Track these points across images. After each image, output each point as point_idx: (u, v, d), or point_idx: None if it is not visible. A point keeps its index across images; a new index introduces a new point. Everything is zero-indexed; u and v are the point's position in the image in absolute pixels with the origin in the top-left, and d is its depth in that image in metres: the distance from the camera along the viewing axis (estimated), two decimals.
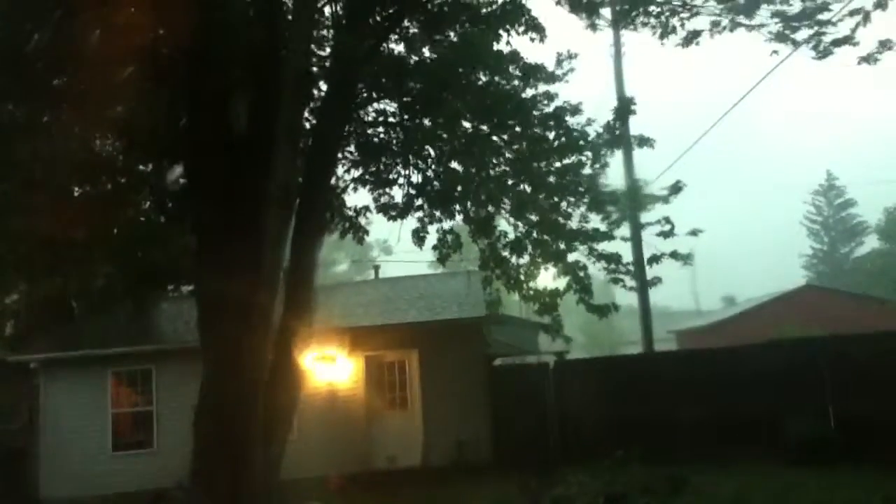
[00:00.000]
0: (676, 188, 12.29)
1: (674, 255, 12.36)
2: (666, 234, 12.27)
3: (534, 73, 11.53)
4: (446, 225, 12.59)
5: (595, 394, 15.38)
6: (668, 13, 12.05)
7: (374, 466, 15.78)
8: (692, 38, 12.10)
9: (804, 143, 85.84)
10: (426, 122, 11.50)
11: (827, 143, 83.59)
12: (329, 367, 16.10)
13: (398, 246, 14.57)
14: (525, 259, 12.77)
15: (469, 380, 16.20)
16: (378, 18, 10.74)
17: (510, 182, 12.16)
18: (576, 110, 11.80)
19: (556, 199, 12.22)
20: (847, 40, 11.05)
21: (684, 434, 14.21)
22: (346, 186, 12.55)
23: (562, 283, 12.75)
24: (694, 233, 12.25)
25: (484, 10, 11.01)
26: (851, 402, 13.46)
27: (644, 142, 12.14)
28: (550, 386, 16.17)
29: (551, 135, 11.82)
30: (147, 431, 16.32)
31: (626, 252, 14.28)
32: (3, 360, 16.50)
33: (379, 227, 13.50)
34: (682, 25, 12.14)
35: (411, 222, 12.44)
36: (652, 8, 12.18)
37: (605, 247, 12.43)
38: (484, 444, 15.63)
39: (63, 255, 10.90)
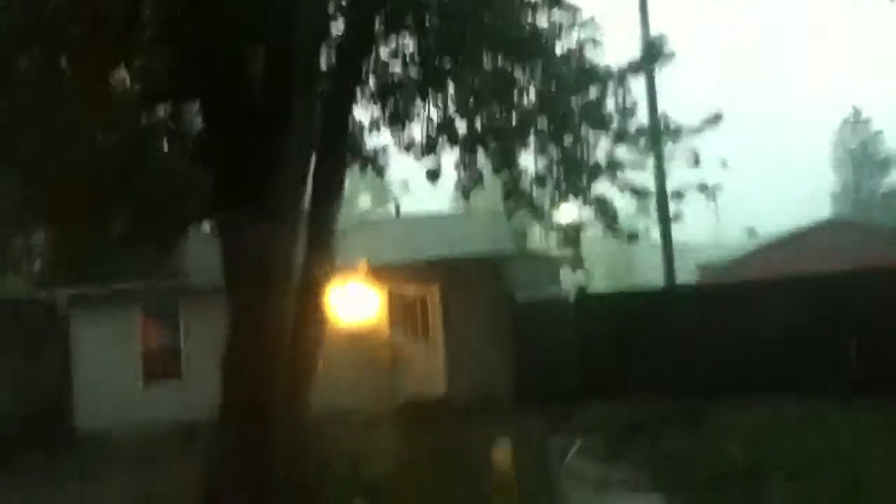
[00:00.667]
0: (716, 118, 12.02)
1: (701, 188, 12.24)
2: (696, 163, 12.13)
3: (555, 5, 11.32)
4: (469, 162, 12.52)
5: (615, 328, 15.48)
6: None
7: (398, 401, 16.09)
8: None
9: (833, 79, 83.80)
10: (446, 59, 11.34)
11: (855, 80, 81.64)
12: (352, 305, 16.30)
13: (419, 184, 14.54)
14: (548, 192, 12.72)
15: (490, 315, 16.35)
16: None
17: (533, 119, 12.03)
18: (597, 42, 11.60)
19: (579, 133, 12.08)
20: None
21: (704, 368, 14.32)
22: (364, 128, 12.46)
23: (585, 215, 12.72)
24: (723, 164, 12.09)
25: None
26: (874, 338, 13.48)
27: (666, 58, 11.89)
28: (571, 321, 16.28)
29: (573, 70, 11.65)
30: (176, 364, 16.75)
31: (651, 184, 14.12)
32: (32, 297, 16.85)
33: (400, 166, 13.47)
34: None
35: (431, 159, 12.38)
36: None
37: (632, 178, 12.34)
38: (505, 378, 15.84)
39: (82, 202, 10.95)
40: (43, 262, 18.35)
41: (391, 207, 28.51)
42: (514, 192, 12.73)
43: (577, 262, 13.28)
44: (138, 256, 16.90)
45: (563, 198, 12.57)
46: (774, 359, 14.10)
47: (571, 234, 12.75)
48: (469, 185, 12.58)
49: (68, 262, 16.97)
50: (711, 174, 12.30)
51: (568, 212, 13.16)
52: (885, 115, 68.57)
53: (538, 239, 19.27)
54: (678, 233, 20.02)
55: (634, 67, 11.74)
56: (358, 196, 50.45)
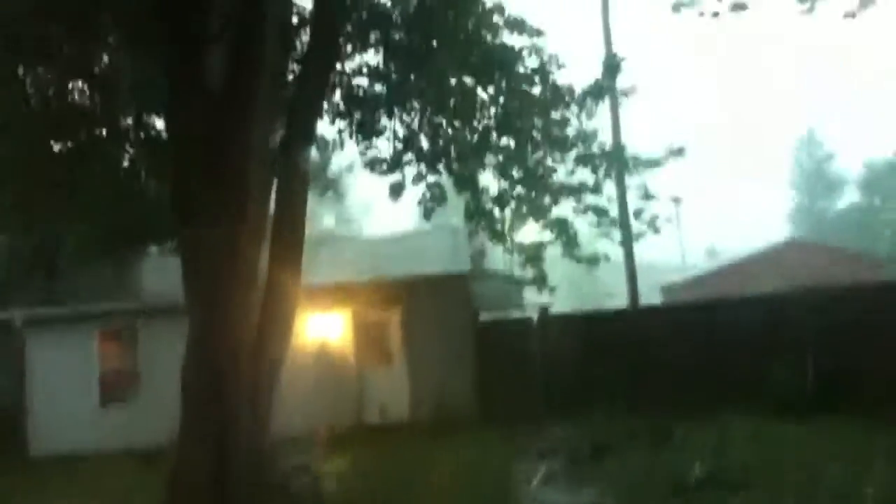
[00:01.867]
0: (677, 151, 12.17)
1: (651, 224, 12.44)
2: (647, 197, 12.32)
3: (519, 27, 11.42)
4: (431, 179, 12.54)
5: (579, 348, 15.49)
6: None
7: (364, 421, 15.97)
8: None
9: (789, 96, 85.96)
10: (411, 75, 11.37)
11: (811, 97, 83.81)
12: (316, 324, 16.16)
13: (381, 202, 14.53)
14: (508, 213, 12.77)
15: (453, 335, 16.32)
16: None
17: (495, 137, 12.09)
18: (560, 65, 11.73)
19: (540, 153, 12.18)
20: None
21: (667, 387, 14.40)
22: (331, 144, 12.40)
23: (547, 236, 12.78)
24: (675, 200, 12.33)
25: None
26: (831, 355, 13.67)
27: (628, 92, 12.14)
28: (534, 340, 16.28)
29: (536, 90, 11.76)
30: (134, 388, 16.42)
31: (612, 206, 14.27)
32: None
33: (362, 183, 13.50)
34: None
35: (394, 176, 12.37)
36: None
37: (592, 201, 12.46)
38: (469, 398, 15.77)
39: (38, 209, 10.77)
40: None
41: (354, 228, 28.37)
42: (476, 212, 12.76)
43: (541, 283, 13.31)
44: (96, 278, 16.65)
45: (524, 219, 12.62)
46: (736, 377, 14.22)
47: (533, 255, 12.80)
48: (431, 204, 12.60)
49: (24, 281, 16.65)
50: (667, 206, 12.55)
51: (529, 232, 13.21)
52: (838, 138, 70.36)
53: (502, 258, 19.28)
54: (643, 254, 20.24)
55: (596, 89, 11.90)
56: (321, 217, 50.16)
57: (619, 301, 24.90)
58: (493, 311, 19.71)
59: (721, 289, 23.32)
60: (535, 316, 17.50)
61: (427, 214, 12.74)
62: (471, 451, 12.84)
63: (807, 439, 11.15)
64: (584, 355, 15.33)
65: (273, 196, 9.49)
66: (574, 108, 11.94)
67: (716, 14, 11.55)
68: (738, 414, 12.89)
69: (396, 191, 12.27)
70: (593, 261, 12.47)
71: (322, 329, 16.48)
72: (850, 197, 54.38)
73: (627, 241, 14.18)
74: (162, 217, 10.84)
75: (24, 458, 15.75)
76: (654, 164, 12.37)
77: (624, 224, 13.27)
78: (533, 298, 21.26)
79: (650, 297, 28.88)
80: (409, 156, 12.15)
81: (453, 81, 11.39)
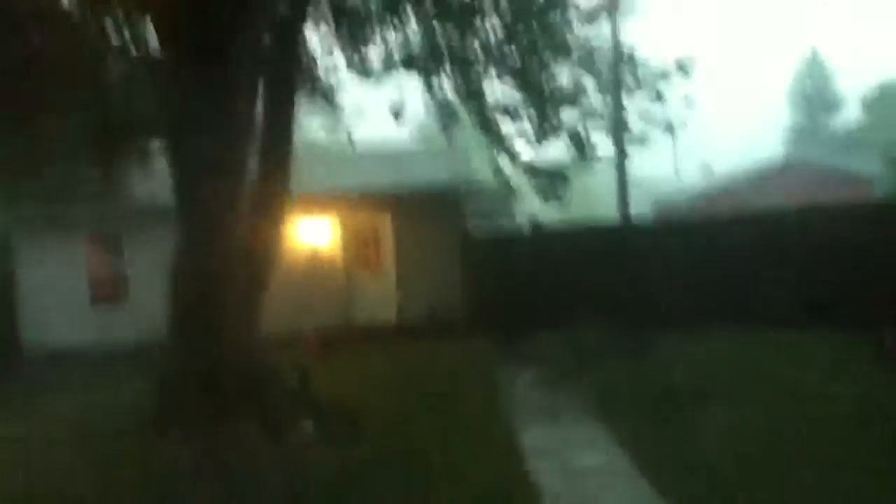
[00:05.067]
0: (684, 67, 11.79)
1: (667, 127, 12.19)
2: (659, 98, 12.04)
3: None
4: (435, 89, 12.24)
5: (570, 262, 15.53)
6: None
7: (352, 322, 16.22)
8: None
9: (792, 16, 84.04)
10: None
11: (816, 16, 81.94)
12: (306, 228, 16.18)
13: (376, 119, 14.22)
14: (512, 125, 12.53)
15: (443, 245, 16.40)
16: None
17: (496, 45, 11.74)
18: None
19: (543, 59, 11.85)
20: None
21: (659, 303, 14.50)
22: (317, 51, 12.05)
23: (555, 150, 12.64)
24: (688, 102, 11.95)
25: None
26: (822, 271, 13.76)
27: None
28: (525, 252, 16.28)
29: None
30: (123, 287, 16.54)
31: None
32: None
33: (356, 93, 13.21)
34: None
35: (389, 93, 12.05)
36: None
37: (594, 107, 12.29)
38: (457, 307, 15.97)
39: (26, 111, 10.59)
40: None
41: (345, 136, 27.74)
42: (481, 123, 12.54)
43: (549, 193, 13.21)
44: (84, 177, 16.44)
45: (539, 132, 12.34)
46: (729, 293, 14.36)
47: (546, 171, 12.69)
48: (448, 121, 12.39)
49: (12, 181, 16.44)
50: (671, 110, 12.22)
51: (533, 150, 13.00)
52: (841, 54, 69.19)
53: (492, 170, 19.11)
54: (635, 169, 19.95)
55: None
56: (311, 125, 49.58)
57: (610, 212, 24.75)
58: (484, 222, 19.72)
59: (716, 206, 23.28)
60: (525, 228, 17.50)
61: (448, 138, 12.66)
62: (457, 356, 13.07)
63: (791, 351, 11.36)
64: (575, 269, 15.37)
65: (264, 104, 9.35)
66: (576, 13, 11.60)
67: None
68: (728, 330, 13.09)
69: (397, 113, 12.00)
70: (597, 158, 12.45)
71: (312, 234, 16.53)
72: (848, 115, 53.82)
73: (620, 153, 13.87)
74: (152, 117, 10.64)
75: (18, 355, 15.93)
76: (662, 76, 12.05)
77: (616, 133, 13.00)
78: (523, 211, 21.26)
79: (642, 209, 28.80)
80: (400, 61, 11.80)
81: None
